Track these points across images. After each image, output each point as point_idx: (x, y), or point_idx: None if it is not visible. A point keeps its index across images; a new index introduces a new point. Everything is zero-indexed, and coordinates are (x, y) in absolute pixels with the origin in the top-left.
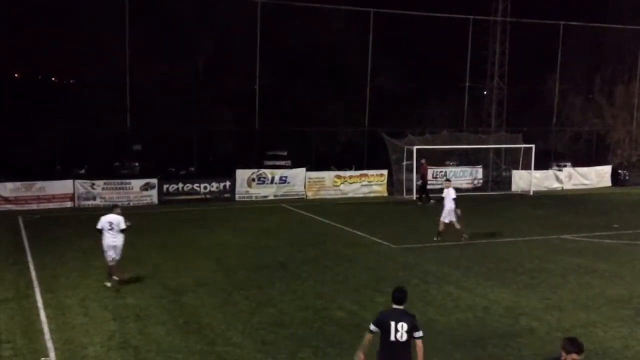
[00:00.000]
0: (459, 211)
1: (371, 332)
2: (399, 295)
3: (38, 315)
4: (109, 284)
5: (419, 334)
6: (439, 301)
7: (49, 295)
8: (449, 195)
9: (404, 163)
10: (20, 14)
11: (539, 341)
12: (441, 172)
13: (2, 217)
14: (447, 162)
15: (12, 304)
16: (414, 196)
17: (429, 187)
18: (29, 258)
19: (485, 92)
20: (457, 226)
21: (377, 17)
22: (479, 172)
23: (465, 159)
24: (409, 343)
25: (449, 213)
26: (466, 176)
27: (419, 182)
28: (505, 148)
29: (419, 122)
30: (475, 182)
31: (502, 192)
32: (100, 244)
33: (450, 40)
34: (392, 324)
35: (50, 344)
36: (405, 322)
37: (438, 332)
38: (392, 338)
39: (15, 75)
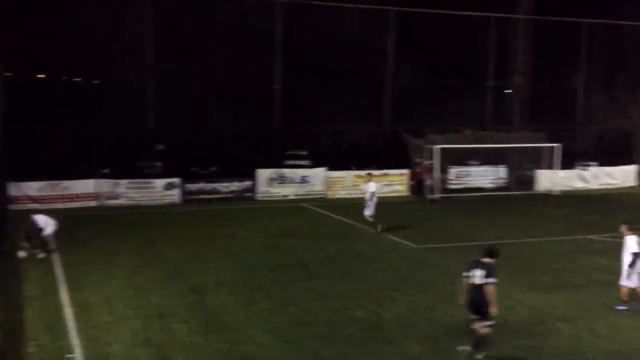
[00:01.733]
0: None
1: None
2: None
3: (63, 312)
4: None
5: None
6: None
7: (73, 293)
8: (369, 189)
9: (425, 162)
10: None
11: (565, 342)
12: (464, 171)
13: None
14: (469, 162)
15: (38, 301)
16: (436, 196)
17: (452, 186)
18: (55, 256)
19: (508, 91)
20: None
21: (398, 16)
22: (502, 171)
23: (488, 158)
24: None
25: (370, 207)
26: (489, 176)
27: (413, 182)
28: (529, 147)
29: (441, 121)
30: (499, 181)
31: (526, 192)
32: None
33: (473, 39)
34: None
35: (75, 342)
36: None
37: (461, 333)
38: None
39: (40, 76)
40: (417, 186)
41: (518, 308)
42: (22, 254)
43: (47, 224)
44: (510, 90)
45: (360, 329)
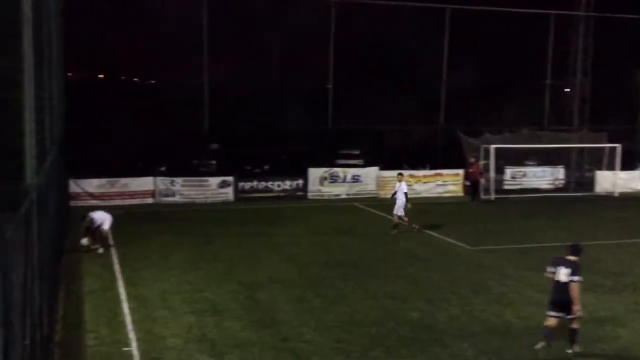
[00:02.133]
0: (409, 205)
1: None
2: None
3: (121, 307)
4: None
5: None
6: (517, 304)
7: (131, 288)
8: (401, 189)
9: (481, 162)
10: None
11: (624, 348)
12: (520, 172)
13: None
14: (527, 162)
15: (97, 295)
16: (491, 196)
17: (507, 187)
18: (113, 252)
19: (567, 90)
20: (405, 219)
21: (453, 14)
22: (560, 172)
23: (546, 158)
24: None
25: (400, 206)
26: (547, 176)
27: (468, 183)
28: (589, 147)
29: (497, 121)
30: (557, 182)
31: (585, 194)
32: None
33: (531, 36)
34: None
35: (131, 335)
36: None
37: (516, 335)
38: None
39: (100, 76)
40: (472, 186)
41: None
42: (84, 241)
43: (103, 219)
44: (570, 89)
45: (412, 330)
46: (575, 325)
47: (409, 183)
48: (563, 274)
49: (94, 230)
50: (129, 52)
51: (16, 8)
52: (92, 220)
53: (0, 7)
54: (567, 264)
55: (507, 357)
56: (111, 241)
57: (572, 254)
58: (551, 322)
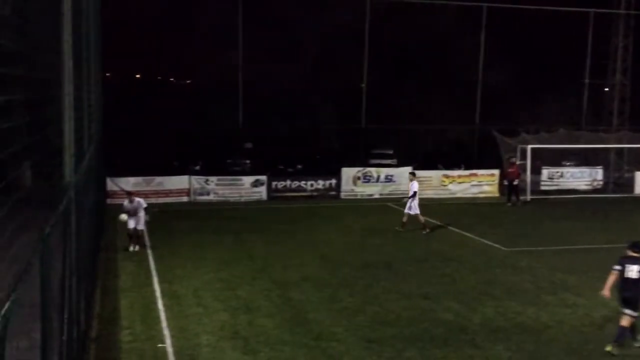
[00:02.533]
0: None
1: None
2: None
3: (155, 303)
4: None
5: None
6: (553, 307)
7: (165, 285)
8: (412, 188)
9: (517, 163)
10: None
11: None
12: (557, 172)
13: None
14: (564, 162)
15: (132, 292)
16: (527, 197)
17: (544, 187)
18: (148, 250)
19: (606, 89)
20: (421, 219)
21: (489, 12)
22: (598, 173)
23: (584, 159)
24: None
25: (415, 206)
26: (585, 177)
27: (506, 183)
28: (628, 148)
29: (534, 120)
30: (595, 183)
31: (624, 195)
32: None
33: (569, 35)
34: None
35: (166, 332)
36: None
37: (551, 339)
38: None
39: (137, 75)
40: (510, 187)
41: (614, 317)
42: (123, 217)
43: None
44: (609, 89)
45: (446, 331)
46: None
47: (443, 184)
48: (635, 270)
49: (132, 232)
50: (165, 52)
51: (56, 8)
52: (139, 203)
53: (41, 7)
54: (635, 260)
55: None
56: (147, 242)
57: (635, 251)
58: (626, 321)
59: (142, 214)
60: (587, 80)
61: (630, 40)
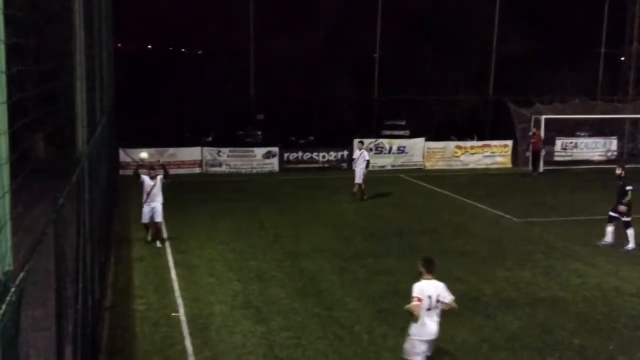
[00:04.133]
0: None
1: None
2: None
3: (169, 273)
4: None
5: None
6: (564, 277)
7: (178, 255)
8: (365, 157)
9: (530, 133)
10: None
11: None
12: (571, 142)
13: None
14: (578, 133)
15: (146, 262)
16: (540, 168)
17: (558, 158)
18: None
19: (622, 58)
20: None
21: None
22: (613, 143)
23: (599, 129)
24: None
25: (360, 175)
26: (599, 148)
27: (528, 153)
28: None
29: (548, 90)
30: (609, 154)
31: (638, 166)
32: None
33: (584, 3)
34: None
35: (179, 301)
36: None
37: (562, 309)
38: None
39: (149, 46)
40: (534, 156)
41: (625, 287)
42: (144, 154)
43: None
44: (624, 58)
45: (457, 302)
46: None
47: (456, 155)
48: None
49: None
50: (176, 22)
51: None
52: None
53: None
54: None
55: (553, 330)
56: (165, 234)
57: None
58: None
59: (159, 200)
60: (602, 50)
61: None
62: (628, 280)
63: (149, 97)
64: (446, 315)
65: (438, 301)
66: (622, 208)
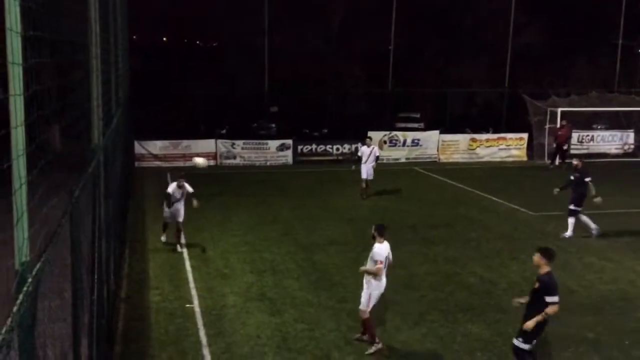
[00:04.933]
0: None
1: None
2: None
3: (184, 265)
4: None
5: None
6: (579, 271)
7: (193, 247)
8: (376, 152)
9: (547, 126)
10: None
11: None
12: (588, 135)
13: (153, 173)
14: (595, 126)
15: (161, 254)
16: (557, 161)
17: (574, 151)
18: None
19: None
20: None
21: None
22: (630, 136)
23: (616, 122)
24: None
25: (368, 171)
26: (616, 141)
27: (553, 145)
28: None
29: (564, 83)
30: (626, 147)
31: None
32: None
33: None
34: None
35: (194, 292)
36: None
37: (578, 303)
38: None
39: (164, 39)
40: (557, 148)
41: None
42: (200, 160)
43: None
44: None
45: (470, 295)
46: None
47: (471, 147)
48: None
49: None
50: (191, 15)
51: None
52: (186, 188)
53: None
54: None
55: (567, 324)
56: (183, 239)
57: None
58: None
59: (182, 206)
60: (620, 42)
61: None
62: None
63: (163, 90)
64: (461, 310)
65: (388, 259)
66: (599, 200)
